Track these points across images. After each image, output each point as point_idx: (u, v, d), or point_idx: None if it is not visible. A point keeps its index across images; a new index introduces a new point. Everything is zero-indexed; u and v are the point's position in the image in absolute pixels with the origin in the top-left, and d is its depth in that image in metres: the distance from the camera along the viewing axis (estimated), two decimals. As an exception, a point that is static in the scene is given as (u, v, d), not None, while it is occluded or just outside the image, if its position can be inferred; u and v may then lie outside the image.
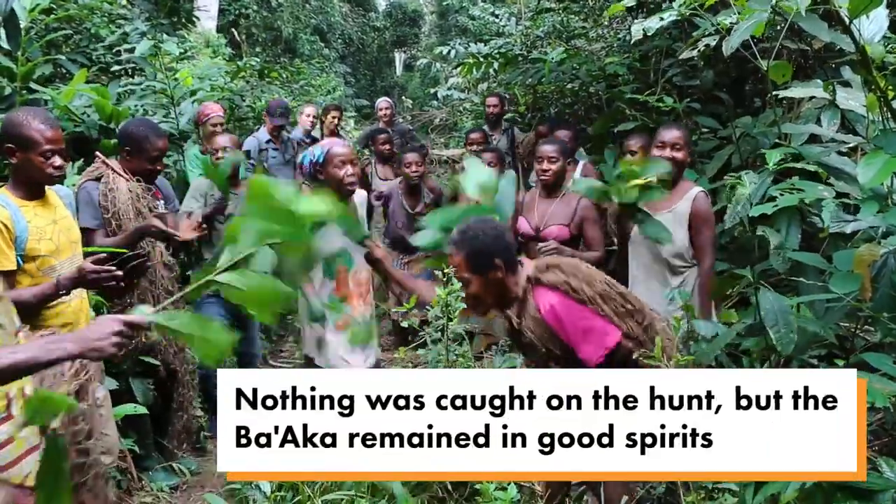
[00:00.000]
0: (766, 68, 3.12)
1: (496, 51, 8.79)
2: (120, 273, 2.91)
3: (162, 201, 4.07)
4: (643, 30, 3.26)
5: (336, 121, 7.64)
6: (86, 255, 3.62)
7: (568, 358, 2.69)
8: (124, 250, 3.59)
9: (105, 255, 3.04)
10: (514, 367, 4.60)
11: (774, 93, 3.30)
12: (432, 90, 14.89)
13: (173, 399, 4.13)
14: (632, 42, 3.79)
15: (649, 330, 2.74)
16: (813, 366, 3.18)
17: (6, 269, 2.83)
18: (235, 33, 14.42)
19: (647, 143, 4.55)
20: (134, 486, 3.85)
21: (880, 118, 2.93)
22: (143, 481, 3.92)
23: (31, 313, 2.91)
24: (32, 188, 3.02)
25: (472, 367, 3.77)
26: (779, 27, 3.52)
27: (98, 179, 3.79)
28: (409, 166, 5.72)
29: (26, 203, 2.97)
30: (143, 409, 3.68)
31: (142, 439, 3.93)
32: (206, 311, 4.50)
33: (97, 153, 3.96)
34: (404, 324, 3.36)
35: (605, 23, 8.74)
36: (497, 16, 11.37)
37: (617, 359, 2.65)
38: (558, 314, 2.65)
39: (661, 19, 3.22)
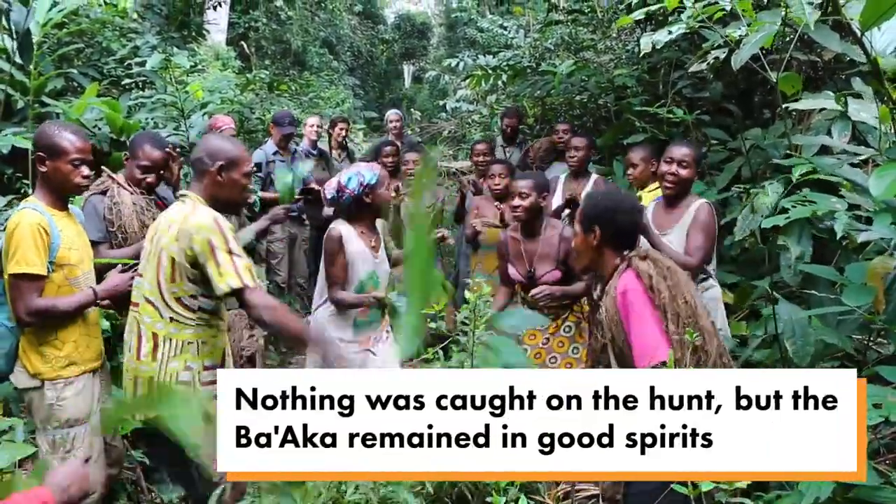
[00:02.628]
0: (775, 80, 3.11)
1: (505, 63, 8.81)
2: None
3: None
4: (652, 43, 3.26)
5: (343, 133, 7.65)
6: (96, 267, 3.66)
7: (624, 354, 2.67)
8: (131, 261, 3.62)
9: (123, 266, 3.12)
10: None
11: (784, 105, 3.29)
12: (441, 102, 14.92)
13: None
14: (640, 55, 3.78)
15: None
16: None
17: (40, 274, 2.85)
18: (245, 46, 14.50)
19: (648, 156, 4.53)
20: (144, 497, 3.85)
21: (892, 130, 2.92)
22: (152, 493, 3.92)
23: (63, 325, 2.96)
24: (59, 198, 3.05)
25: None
26: (788, 38, 3.52)
27: (104, 193, 3.82)
28: (406, 164, 5.87)
29: (56, 212, 3.00)
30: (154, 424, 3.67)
31: (151, 450, 3.93)
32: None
33: (102, 167, 3.99)
34: (431, 325, 3.34)
35: (614, 35, 8.75)
36: (505, 28, 11.40)
37: None
38: (627, 302, 2.63)
39: (670, 32, 3.22)
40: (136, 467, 3.74)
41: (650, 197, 4.35)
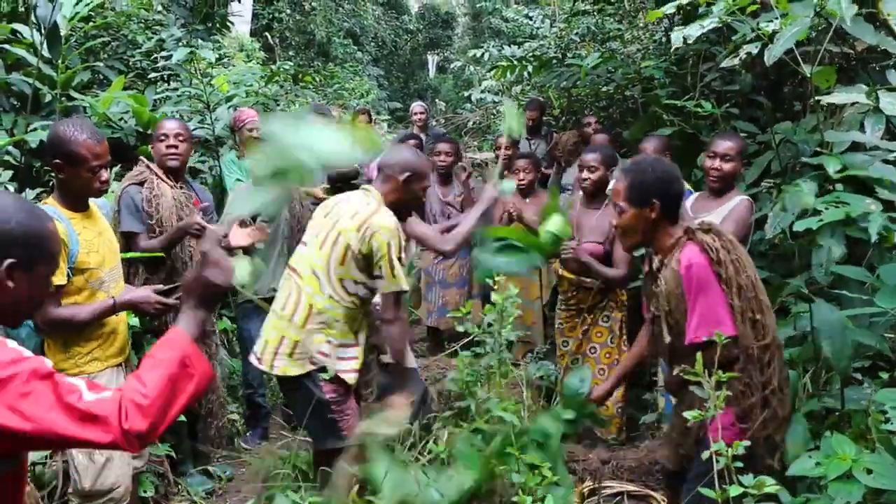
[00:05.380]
0: (809, 74, 3.05)
1: (530, 54, 8.73)
2: (177, 303, 3.03)
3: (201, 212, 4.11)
4: (683, 37, 3.20)
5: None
6: (126, 261, 3.68)
7: (681, 329, 2.64)
8: (159, 254, 3.65)
9: (167, 289, 3.16)
10: (548, 374, 4.60)
11: (816, 98, 3.22)
12: (465, 93, 14.86)
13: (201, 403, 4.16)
14: (672, 49, 3.72)
15: (765, 351, 2.61)
16: (856, 381, 3.11)
17: (59, 284, 2.85)
18: (269, 37, 14.52)
19: (662, 148, 4.50)
20: (171, 490, 3.88)
21: (928, 125, 2.85)
22: (179, 486, 3.95)
23: (84, 328, 2.97)
24: (79, 201, 3.04)
25: (511, 374, 3.76)
26: (821, 28, 3.44)
27: (141, 184, 3.83)
28: (438, 154, 5.83)
29: (75, 215, 3.00)
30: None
31: (178, 444, 3.96)
32: (246, 322, 4.56)
33: (141, 158, 4.01)
34: (460, 328, 3.39)
35: (641, 24, 8.66)
36: (531, 18, 11.31)
37: (718, 359, 2.47)
38: (692, 274, 2.58)
39: (702, 27, 3.16)
40: (163, 461, 3.77)
41: None
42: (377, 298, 3.35)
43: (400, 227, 3.18)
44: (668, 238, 2.72)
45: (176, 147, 3.92)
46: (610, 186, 4.93)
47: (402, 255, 3.12)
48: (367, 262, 3.13)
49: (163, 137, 3.92)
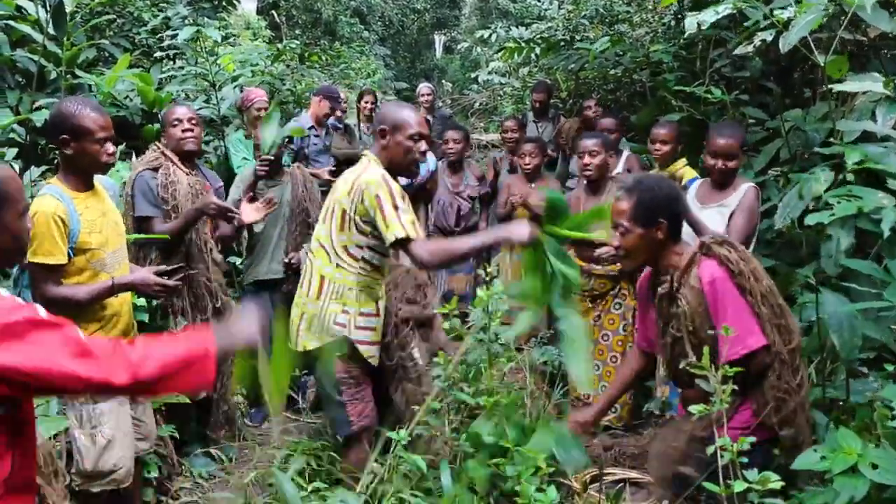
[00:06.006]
0: (822, 63, 3.01)
1: (538, 35, 8.66)
2: (177, 285, 3.17)
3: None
4: (697, 23, 3.15)
5: (370, 106, 7.58)
6: (140, 242, 3.68)
7: (704, 345, 2.52)
8: (165, 236, 3.65)
9: (169, 269, 3.16)
10: (552, 359, 4.59)
11: (829, 86, 3.18)
12: (473, 74, 14.78)
13: (215, 388, 4.17)
14: (684, 36, 3.67)
15: (794, 354, 2.60)
16: (861, 373, 3.09)
17: (59, 263, 2.86)
18: (275, 15, 14.43)
19: (675, 134, 4.47)
20: (174, 471, 3.89)
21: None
22: (183, 466, 3.96)
23: (84, 309, 2.96)
24: (84, 179, 3.03)
25: (514, 360, 3.75)
26: (834, 14, 3.40)
27: (155, 170, 3.82)
28: (446, 143, 5.79)
29: (78, 195, 2.98)
30: (185, 399, 3.71)
31: (183, 425, 3.97)
32: (249, 305, 4.56)
33: (156, 143, 4.00)
34: (445, 325, 3.33)
35: (650, 7, 8.57)
36: (539, -1, 11.24)
37: (751, 368, 2.52)
38: (716, 289, 2.55)
39: (717, 13, 3.11)
40: (166, 442, 3.77)
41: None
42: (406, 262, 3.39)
43: (389, 176, 3.10)
44: (675, 257, 2.69)
45: (192, 130, 3.92)
46: (615, 171, 4.91)
47: (398, 201, 3.01)
48: (367, 224, 3.09)
49: (176, 122, 3.91)
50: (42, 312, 1.62)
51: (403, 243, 2.99)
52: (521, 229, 2.89)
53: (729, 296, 2.55)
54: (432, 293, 4.00)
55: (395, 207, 3.00)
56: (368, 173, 3.10)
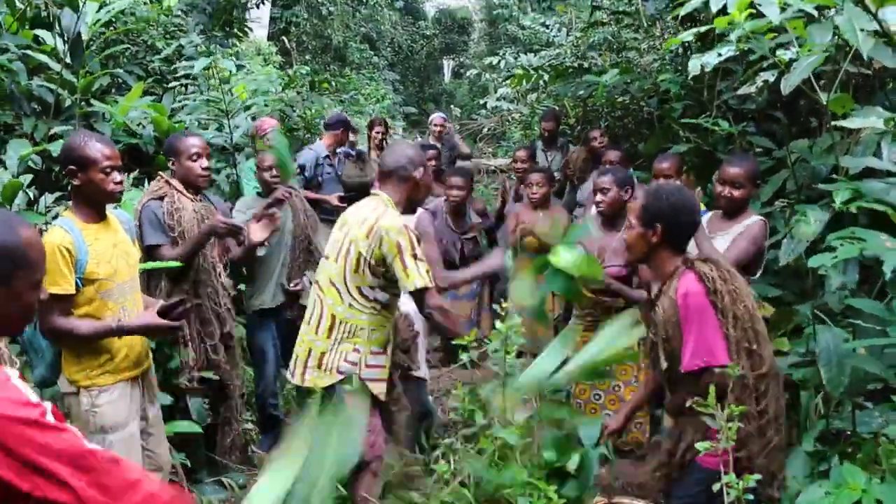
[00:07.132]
0: (826, 101, 3.05)
1: (546, 63, 8.73)
2: (181, 325, 3.18)
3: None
4: (701, 65, 3.21)
5: (380, 136, 7.63)
6: (151, 271, 3.72)
7: (677, 356, 2.69)
8: (178, 263, 3.69)
9: (169, 304, 3.11)
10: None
11: (833, 122, 3.22)
12: (481, 100, 14.88)
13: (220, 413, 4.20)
14: (689, 77, 3.72)
15: (761, 381, 2.66)
16: (862, 405, 3.10)
17: (66, 293, 2.90)
18: (286, 41, 14.58)
19: (678, 166, 4.50)
20: (184, 498, 3.90)
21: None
22: (192, 494, 3.97)
23: (83, 345, 3.00)
24: (95, 210, 3.08)
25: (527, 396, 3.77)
26: (838, 48, 3.44)
27: (161, 199, 3.87)
28: (451, 188, 5.58)
29: (89, 226, 3.02)
30: (197, 428, 3.74)
31: (193, 453, 4.00)
32: (260, 335, 4.62)
33: (160, 174, 4.04)
34: (464, 357, 3.35)
35: (658, 34, 8.64)
36: (547, 26, 11.35)
37: (702, 382, 2.56)
38: (688, 303, 2.64)
39: (720, 55, 3.17)
40: (177, 470, 3.79)
41: None
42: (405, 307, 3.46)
43: (410, 224, 3.22)
44: (667, 265, 2.80)
45: (208, 167, 3.98)
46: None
47: (417, 250, 3.13)
48: (382, 267, 3.16)
49: (195, 157, 3.92)
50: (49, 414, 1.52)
51: (421, 292, 3.12)
52: (494, 260, 3.32)
53: (700, 311, 2.63)
54: (421, 345, 4.13)
55: (415, 257, 3.11)
56: (388, 219, 3.16)
